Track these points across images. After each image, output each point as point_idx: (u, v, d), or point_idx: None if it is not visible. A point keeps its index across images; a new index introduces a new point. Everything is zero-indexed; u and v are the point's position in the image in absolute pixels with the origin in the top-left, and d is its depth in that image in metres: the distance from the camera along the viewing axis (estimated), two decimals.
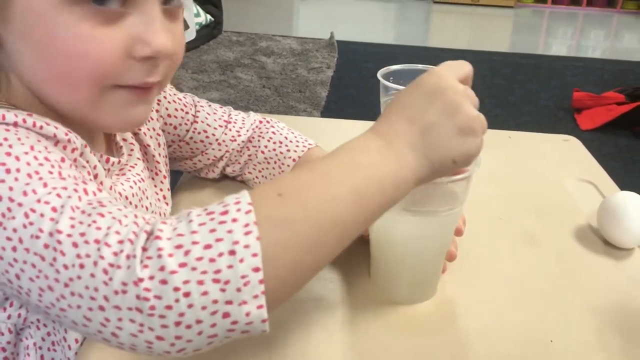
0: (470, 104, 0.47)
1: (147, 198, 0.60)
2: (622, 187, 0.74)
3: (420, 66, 0.83)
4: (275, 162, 0.73)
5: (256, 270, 0.37)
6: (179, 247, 0.37)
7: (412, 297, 0.58)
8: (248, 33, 3.66)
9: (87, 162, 0.51)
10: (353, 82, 3.08)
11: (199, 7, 3.36)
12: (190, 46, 3.16)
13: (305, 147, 0.73)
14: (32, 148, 0.43)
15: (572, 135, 0.99)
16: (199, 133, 0.73)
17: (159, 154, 0.67)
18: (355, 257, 0.64)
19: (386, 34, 4.21)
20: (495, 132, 0.98)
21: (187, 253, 0.37)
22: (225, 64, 3.17)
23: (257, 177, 0.75)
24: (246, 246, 0.37)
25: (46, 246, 0.39)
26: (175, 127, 0.71)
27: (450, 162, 0.46)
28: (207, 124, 0.73)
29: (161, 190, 0.66)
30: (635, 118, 2.64)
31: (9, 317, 0.51)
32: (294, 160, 0.72)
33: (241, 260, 0.37)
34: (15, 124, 0.45)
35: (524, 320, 0.57)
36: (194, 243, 0.37)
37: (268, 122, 0.77)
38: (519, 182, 0.83)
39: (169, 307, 0.37)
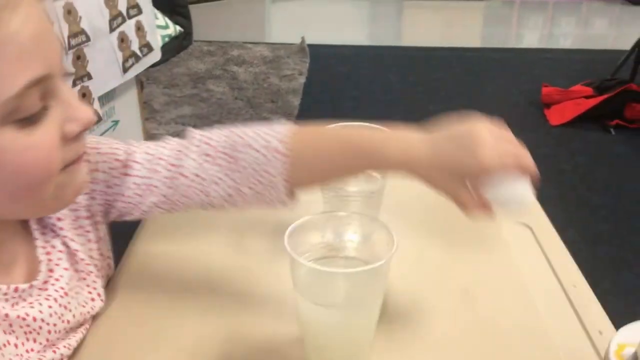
0: None
1: (69, 311, 0.59)
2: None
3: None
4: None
5: None
6: None
7: None
8: (219, 42, 3.65)
9: None
10: (325, 87, 3.09)
11: (167, 19, 3.35)
12: (160, 60, 3.15)
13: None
14: None
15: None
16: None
17: (89, 256, 0.64)
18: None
19: (358, 34, 4.22)
20: None
21: None
22: (197, 76, 3.17)
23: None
24: None
25: None
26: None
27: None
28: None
29: (94, 289, 0.64)
30: (604, 111, 2.68)
31: None
32: None
33: None
34: None
35: None
36: None
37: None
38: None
39: None
